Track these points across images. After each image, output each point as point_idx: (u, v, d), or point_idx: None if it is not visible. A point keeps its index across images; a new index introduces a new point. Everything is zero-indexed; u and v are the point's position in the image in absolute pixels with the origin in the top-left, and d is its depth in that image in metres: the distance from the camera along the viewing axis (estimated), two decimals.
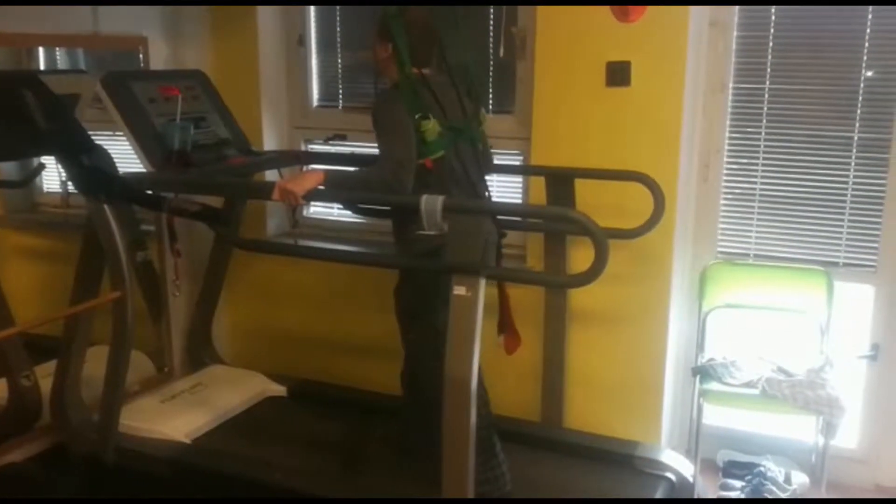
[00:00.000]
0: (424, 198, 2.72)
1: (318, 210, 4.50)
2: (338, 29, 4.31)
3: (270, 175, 4.08)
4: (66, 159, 3.07)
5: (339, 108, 4.41)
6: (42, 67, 4.36)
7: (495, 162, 3.63)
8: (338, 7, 4.27)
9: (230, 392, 4.02)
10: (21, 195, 4.80)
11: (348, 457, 3.58)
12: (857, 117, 3.57)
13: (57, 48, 4.28)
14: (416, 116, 3.04)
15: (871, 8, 3.44)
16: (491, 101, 4.03)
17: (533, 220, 3.73)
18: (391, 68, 3.20)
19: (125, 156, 3.62)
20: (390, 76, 3.24)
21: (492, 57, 3.98)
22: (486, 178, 3.44)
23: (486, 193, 3.40)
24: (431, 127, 3.05)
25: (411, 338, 3.34)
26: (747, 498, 3.62)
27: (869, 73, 3.51)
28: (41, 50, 4.28)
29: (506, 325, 3.37)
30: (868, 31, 3.47)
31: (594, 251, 2.61)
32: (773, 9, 3.59)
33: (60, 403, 3.54)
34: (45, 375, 3.65)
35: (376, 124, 3.10)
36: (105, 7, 3.81)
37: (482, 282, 2.70)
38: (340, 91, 4.40)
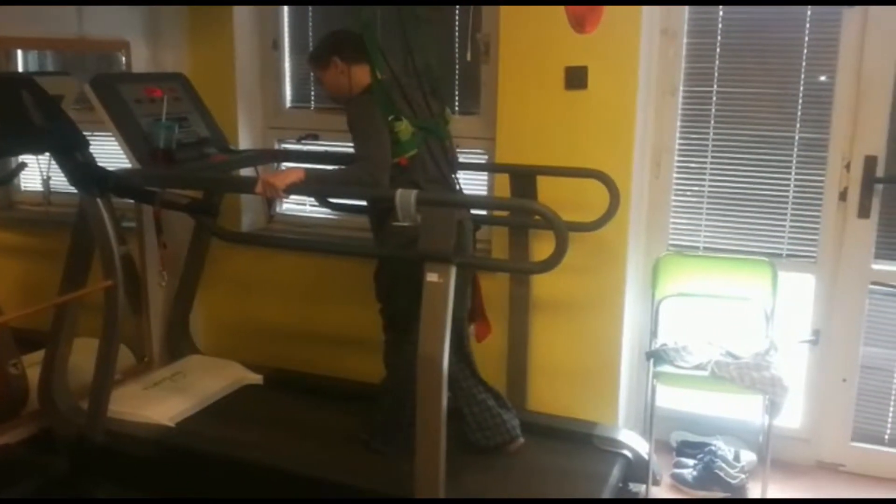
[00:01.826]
0: (399, 192, 2.92)
1: (290, 207, 4.68)
2: (310, 34, 4.48)
3: (246, 172, 4.26)
4: (61, 156, 3.23)
5: (312, 108, 4.58)
6: (20, 69, 4.49)
7: (462, 160, 3.83)
8: (310, 12, 4.45)
9: (209, 380, 4.18)
10: None
11: (321, 438, 3.74)
12: (798, 118, 3.80)
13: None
14: (390, 118, 3.24)
15: (808, 17, 3.69)
16: (457, 103, 4.23)
17: (499, 215, 3.93)
18: (354, 81, 3.42)
19: (105, 155, 3.79)
20: (353, 88, 3.43)
21: (457, 61, 4.18)
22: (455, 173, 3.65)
23: (457, 187, 3.62)
24: (404, 128, 3.26)
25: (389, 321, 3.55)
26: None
27: (811, 78, 3.76)
28: (19, 52, 4.42)
29: (477, 313, 3.59)
30: (806, 38, 3.71)
31: (555, 240, 2.84)
32: (719, 17, 3.82)
33: (48, 390, 3.69)
34: (30, 365, 3.79)
35: (352, 127, 3.29)
36: (89, 12, 3.95)
37: (453, 269, 2.90)
38: (312, 93, 4.57)
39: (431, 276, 2.91)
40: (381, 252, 3.50)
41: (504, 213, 3.94)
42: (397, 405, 3.46)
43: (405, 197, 2.90)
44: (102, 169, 3.29)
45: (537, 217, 3.03)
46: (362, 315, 3.68)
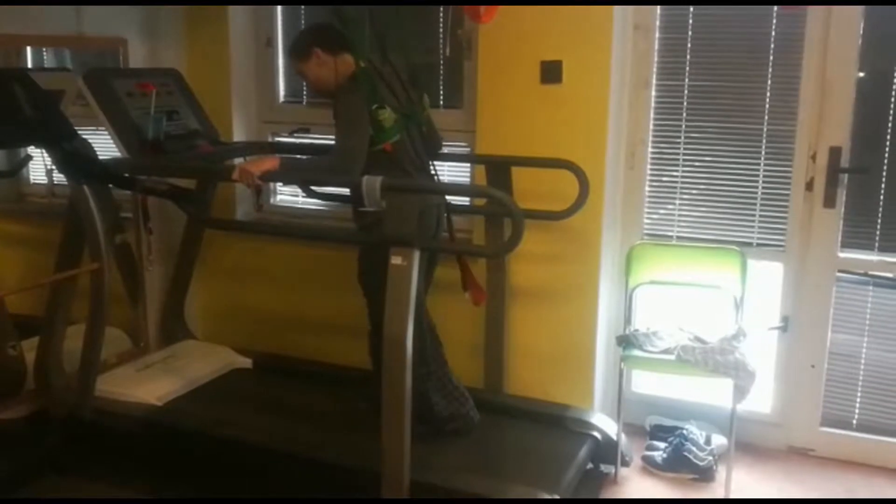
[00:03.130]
0: (365, 178, 3.06)
1: (284, 198, 4.84)
2: None
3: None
4: (49, 146, 3.41)
5: (304, 103, 4.74)
6: (30, 65, 4.67)
7: (444, 152, 3.97)
8: (302, 11, 4.60)
9: (200, 363, 4.35)
10: (8, 185, 5.10)
11: (303, 418, 3.89)
12: (766, 111, 3.88)
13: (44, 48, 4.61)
14: (374, 106, 3.37)
15: (775, 13, 3.79)
16: (442, 98, 4.37)
17: (478, 204, 4.05)
18: (339, 71, 3.52)
19: (108, 148, 3.96)
20: (338, 78, 3.53)
21: (441, 57, 4.32)
22: (435, 157, 3.80)
23: (434, 171, 3.75)
24: (387, 115, 3.39)
25: (372, 302, 3.65)
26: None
27: (778, 71, 3.84)
28: (28, 49, 4.60)
29: (468, 282, 3.67)
30: (773, 33, 3.80)
31: (512, 225, 2.98)
32: (690, 13, 3.91)
33: (43, 371, 3.87)
34: (29, 349, 3.96)
35: (336, 115, 3.43)
36: (88, 10, 4.11)
37: (416, 253, 3.03)
38: (304, 88, 4.70)
39: (396, 259, 3.04)
40: (353, 238, 3.65)
41: (482, 203, 4.06)
42: (423, 390, 3.60)
43: (370, 183, 3.05)
44: (88, 157, 3.46)
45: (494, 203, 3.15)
46: (349, 301, 3.82)
